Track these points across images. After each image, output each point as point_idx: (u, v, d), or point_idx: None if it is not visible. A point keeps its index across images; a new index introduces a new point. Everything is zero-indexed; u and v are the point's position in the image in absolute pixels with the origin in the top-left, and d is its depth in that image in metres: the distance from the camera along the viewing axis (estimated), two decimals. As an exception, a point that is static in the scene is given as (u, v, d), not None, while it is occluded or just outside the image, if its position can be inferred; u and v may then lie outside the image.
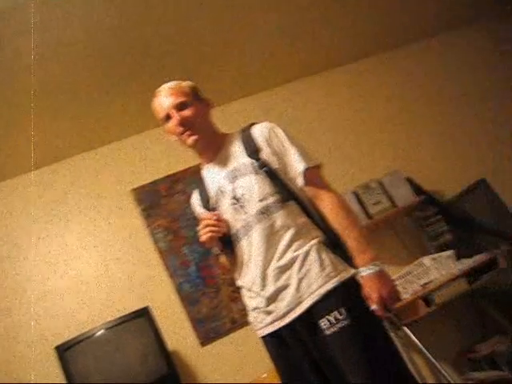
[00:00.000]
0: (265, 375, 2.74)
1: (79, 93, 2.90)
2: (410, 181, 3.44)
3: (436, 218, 3.36)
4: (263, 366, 2.39)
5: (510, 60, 4.23)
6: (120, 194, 3.33)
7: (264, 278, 1.62)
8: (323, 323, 1.52)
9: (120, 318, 2.80)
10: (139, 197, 3.33)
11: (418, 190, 3.42)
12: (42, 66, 2.60)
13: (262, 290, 1.62)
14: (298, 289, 1.57)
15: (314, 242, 1.61)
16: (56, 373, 2.65)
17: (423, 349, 2.85)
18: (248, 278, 1.67)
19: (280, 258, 1.60)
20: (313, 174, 1.66)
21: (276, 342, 1.65)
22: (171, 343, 2.87)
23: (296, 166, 1.66)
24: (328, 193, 1.65)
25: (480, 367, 3.08)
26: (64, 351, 2.63)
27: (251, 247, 1.64)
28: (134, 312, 2.82)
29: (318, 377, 1.59)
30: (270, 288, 1.61)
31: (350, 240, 1.58)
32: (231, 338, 3.09)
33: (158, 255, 3.21)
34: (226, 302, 3.15)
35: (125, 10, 2.51)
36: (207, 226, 1.67)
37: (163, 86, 1.76)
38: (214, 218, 1.68)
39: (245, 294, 1.73)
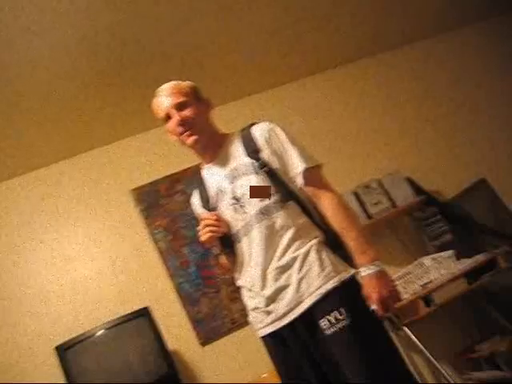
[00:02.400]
0: (265, 375, 2.74)
1: (80, 93, 2.90)
2: (410, 181, 3.44)
3: (436, 218, 3.36)
4: (263, 366, 2.39)
5: (509, 60, 4.23)
6: (120, 194, 3.33)
7: (264, 277, 1.62)
8: (323, 323, 1.52)
9: (120, 317, 2.80)
10: (139, 197, 3.33)
11: (418, 189, 3.42)
12: (44, 66, 2.60)
13: (262, 289, 1.62)
14: (297, 289, 1.57)
15: (313, 242, 1.61)
16: (56, 373, 2.65)
17: (423, 349, 2.85)
18: (248, 278, 1.67)
19: (280, 258, 1.60)
20: (312, 174, 1.66)
21: (276, 342, 1.65)
22: (171, 343, 2.87)
23: (296, 166, 1.66)
24: (328, 193, 1.65)
25: (480, 367, 3.08)
26: (64, 351, 2.63)
27: (251, 247, 1.64)
28: (134, 312, 2.83)
29: (318, 377, 1.59)
30: (270, 288, 1.61)
31: (350, 240, 1.58)
32: (231, 338, 3.08)
33: (158, 255, 3.21)
34: (226, 302, 3.15)
35: (119, 11, 2.50)
36: (207, 225, 1.67)
37: (163, 85, 1.76)
38: (214, 217, 1.68)
39: (245, 293, 1.73)
